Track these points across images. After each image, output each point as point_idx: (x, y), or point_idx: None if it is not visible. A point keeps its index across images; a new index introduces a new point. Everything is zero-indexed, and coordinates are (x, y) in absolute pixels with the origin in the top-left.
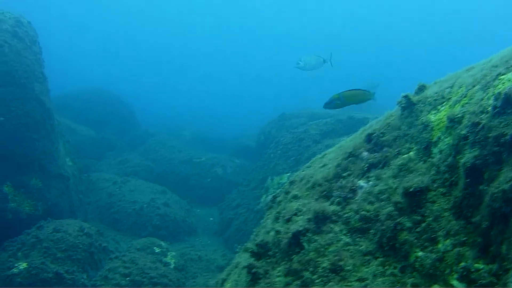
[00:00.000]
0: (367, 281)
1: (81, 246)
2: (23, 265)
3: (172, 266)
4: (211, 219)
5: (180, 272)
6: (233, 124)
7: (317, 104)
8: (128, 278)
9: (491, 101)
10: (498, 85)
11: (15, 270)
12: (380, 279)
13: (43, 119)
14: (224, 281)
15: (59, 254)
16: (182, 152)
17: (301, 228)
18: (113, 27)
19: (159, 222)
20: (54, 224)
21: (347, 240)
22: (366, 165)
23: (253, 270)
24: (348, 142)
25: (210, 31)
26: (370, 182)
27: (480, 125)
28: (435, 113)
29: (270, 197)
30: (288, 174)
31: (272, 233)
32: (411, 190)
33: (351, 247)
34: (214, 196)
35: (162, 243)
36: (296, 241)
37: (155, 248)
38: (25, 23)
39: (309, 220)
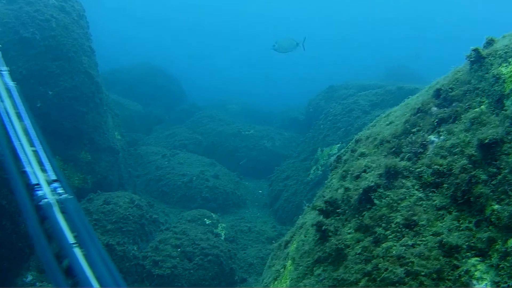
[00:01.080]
0: (442, 236)
1: (131, 218)
2: None
3: (223, 237)
4: (260, 191)
5: (231, 243)
6: (281, 97)
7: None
8: (179, 249)
9: None
10: None
11: None
12: (455, 233)
13: (92, 92)
14: (287, 242)
15: (109, 226)
16: (231, 125)
17: (372, 184)
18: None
19: (208, 195)
20: (104, 197)
21: (420, 195)
22: (436, 120)
23: (323, 228)
24: (414, 99)
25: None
26: (441, 137)
27: None
28: (506, 66)
29: (333, 157)
30: (338, 145)
31: (341, 190)
32: (486, 141)
33: (424, 202)
34: (263, 169)
35: (213, 215)
36: (367, 197)
37: (205, 219)
38: None
39: (380, 175)
